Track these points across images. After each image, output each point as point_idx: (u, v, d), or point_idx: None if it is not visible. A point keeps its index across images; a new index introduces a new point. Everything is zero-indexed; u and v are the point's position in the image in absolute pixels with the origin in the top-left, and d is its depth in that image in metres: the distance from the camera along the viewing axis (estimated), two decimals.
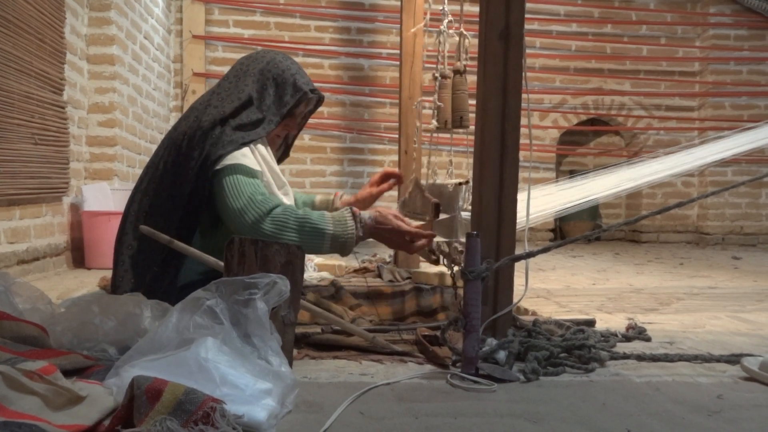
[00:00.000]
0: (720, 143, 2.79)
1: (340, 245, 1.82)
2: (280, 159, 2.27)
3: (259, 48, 2.24)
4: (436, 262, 2.32)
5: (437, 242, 2.24)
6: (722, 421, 1.24)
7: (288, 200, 2.07)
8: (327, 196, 2.45)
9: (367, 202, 2.35)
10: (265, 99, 1.98)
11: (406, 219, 1.95)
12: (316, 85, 2.12)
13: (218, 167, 1.84)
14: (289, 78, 2.00)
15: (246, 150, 1.90)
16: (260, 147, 1.96)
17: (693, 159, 2.64)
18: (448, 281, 2.47)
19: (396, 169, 2.47)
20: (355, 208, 1.87)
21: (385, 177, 2.37)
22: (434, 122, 2.60)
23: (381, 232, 1.87)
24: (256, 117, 1.95)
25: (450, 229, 2.21)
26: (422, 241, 1.91)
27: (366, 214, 1.86)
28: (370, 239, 1.92)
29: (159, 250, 1.86)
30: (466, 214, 2.10)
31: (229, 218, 1.83)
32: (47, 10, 3.28)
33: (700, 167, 2.68)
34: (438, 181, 2.55)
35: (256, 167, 1.90)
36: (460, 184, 2.22)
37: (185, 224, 1.89)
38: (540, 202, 2.36)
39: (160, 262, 1.87)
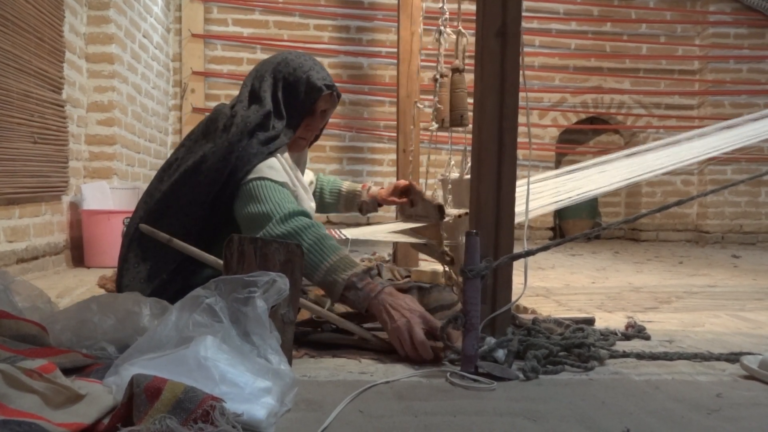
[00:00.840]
0: (719, 135, 2.79)
1: (329, 282, 1.65)
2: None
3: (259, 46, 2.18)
4: (451, 263, 2.29)
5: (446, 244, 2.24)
6: (722, 420, 1.24)
7: (313, 204, 2.08)
8: (354, 185, 2.47)
9: (373, 204, 2.39)
10: (281, 103, 1.94)
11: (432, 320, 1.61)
12: None
13: (245, 181, 1.82)
14: (302, 76, 1.93)
15: (273, 161, 1.87)
16: (286, 155, 1.94)
17: (692, 154, 2.63)
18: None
19: (416, 185, 2.38)
20: (376, 272, 1.69)
21: (405, 192, 2.37)
22: (434, 124, 2.60)
23: (389, 300, 1.61)
24: (281, 125, 1.92)
25: (456, 240, 2.21)
26: (428, 355, 1.57)
27: (383, 280, 1.67)
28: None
29: (171, 258, 1.83)
30: None
31: (252, 221, 1.79)
32: (46, 9, 3.28)
33: (699, 159, 2.66)
34: (453, 175, 2.53)
35: (284, 179, 1.86)
36: (460, 216, 2.22)
37: (206, 233, 1.87)
38: (537, 195, 2.35)
39: (171, 271, 1.85)
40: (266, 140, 1.87)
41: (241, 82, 2.01)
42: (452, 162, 2.62)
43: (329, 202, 2.47)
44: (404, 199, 2.36)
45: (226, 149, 1.83)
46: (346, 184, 2.48)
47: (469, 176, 2.24)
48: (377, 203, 2.41)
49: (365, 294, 1.62)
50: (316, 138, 2.18)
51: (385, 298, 1.61)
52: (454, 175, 2.52)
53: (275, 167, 1.86)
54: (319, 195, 2.46)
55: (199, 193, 1.85)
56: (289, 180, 1.91)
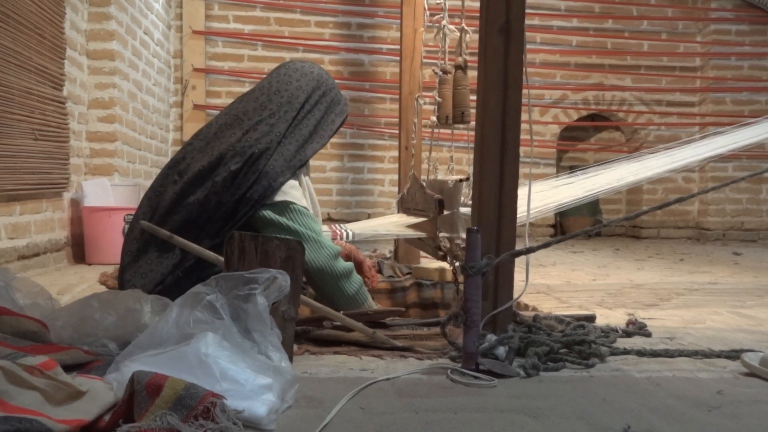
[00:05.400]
0: (719, 139, 2.79)
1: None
2: None
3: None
4: (444, 258, 2.29)
5: (441, 237, 2.24)
6: (722, 417, 1.24)
7: (319, 221, 2.08)
8: None
9: None
10: (315, 116, 1.96)
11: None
12: None
13: (274, 200, 1.83)
14: (336, 97, 2.02)
15: (295, 182, 1.89)
16: (304, 176, 1.96)
17: (692, 154, 2.63)
18: (449, 277, 2.47)
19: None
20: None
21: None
22: (433, 118, 2.59)
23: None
24: (308, 131, 1.94)
25: (451, 225, 2.21)
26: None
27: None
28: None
29: (188, 255, 1.80)
30: (465, 210, 2.10)
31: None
32: (47, 6, 3.27)
33: (700, 162, 2.67)
34: (438, 177, 2.55)
35: (303, 202, 1.90)
36: (461, 180, 2.22)
37: (221, 234, 1.83)
38: (539, 197, 2.36)
39: (186, 269, 1.81)
40: (292, 150, 1.89)
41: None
42: (433, 164, 2.62)
43: None
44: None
45: (255, 157, 1.83)
46: None
47: (454, 179, 2.24)
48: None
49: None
50: None
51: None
52: (440, 176, 2.52)
53: (296, 188, 1.89)
54: None
55: (222, 201, 1.82)
56: (307, 204, 1.94)
